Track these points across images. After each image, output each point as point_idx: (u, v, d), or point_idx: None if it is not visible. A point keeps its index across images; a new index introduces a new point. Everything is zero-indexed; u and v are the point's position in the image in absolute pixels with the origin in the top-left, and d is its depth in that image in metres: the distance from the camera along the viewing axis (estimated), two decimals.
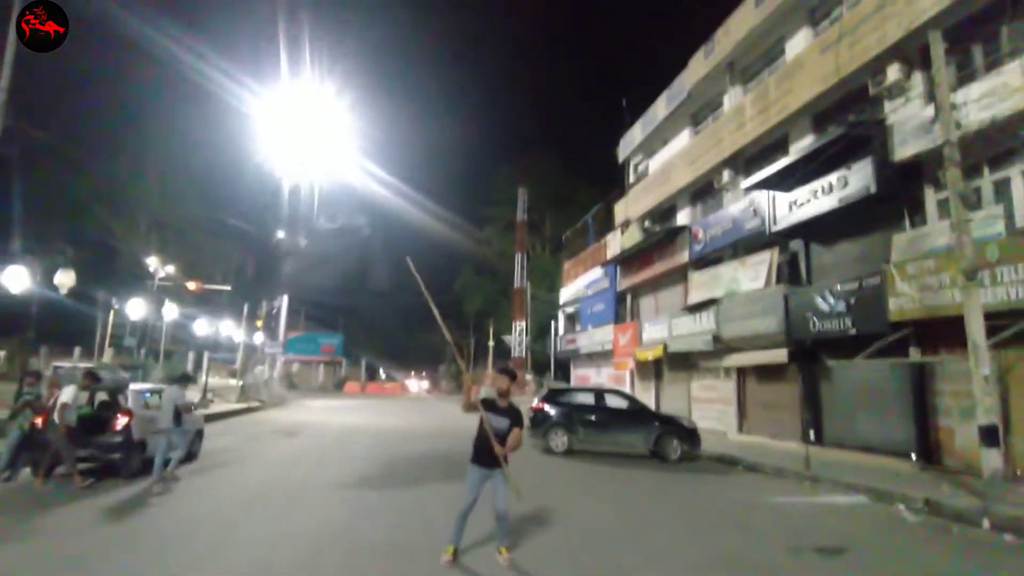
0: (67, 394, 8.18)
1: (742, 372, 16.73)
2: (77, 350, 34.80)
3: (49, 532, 5.80)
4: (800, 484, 10.00)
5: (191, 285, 30.83)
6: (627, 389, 23.96)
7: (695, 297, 18.29)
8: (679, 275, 20.24)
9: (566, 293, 33.11)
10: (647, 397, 22.57)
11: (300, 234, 31.24)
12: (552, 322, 37.06)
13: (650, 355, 20.86)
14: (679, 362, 20.03)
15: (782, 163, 13.18)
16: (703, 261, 18.50)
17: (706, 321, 17.54)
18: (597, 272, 27.52)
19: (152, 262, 34.01)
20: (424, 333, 72.50)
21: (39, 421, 8.46)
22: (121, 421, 8.76)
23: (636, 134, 24.22)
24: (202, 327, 26.67)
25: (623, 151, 25.69)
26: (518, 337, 41.83)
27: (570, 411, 13.29)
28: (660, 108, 21.82)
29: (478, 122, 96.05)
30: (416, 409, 30.25)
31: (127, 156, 44.47)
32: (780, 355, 13.97)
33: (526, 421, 8.77)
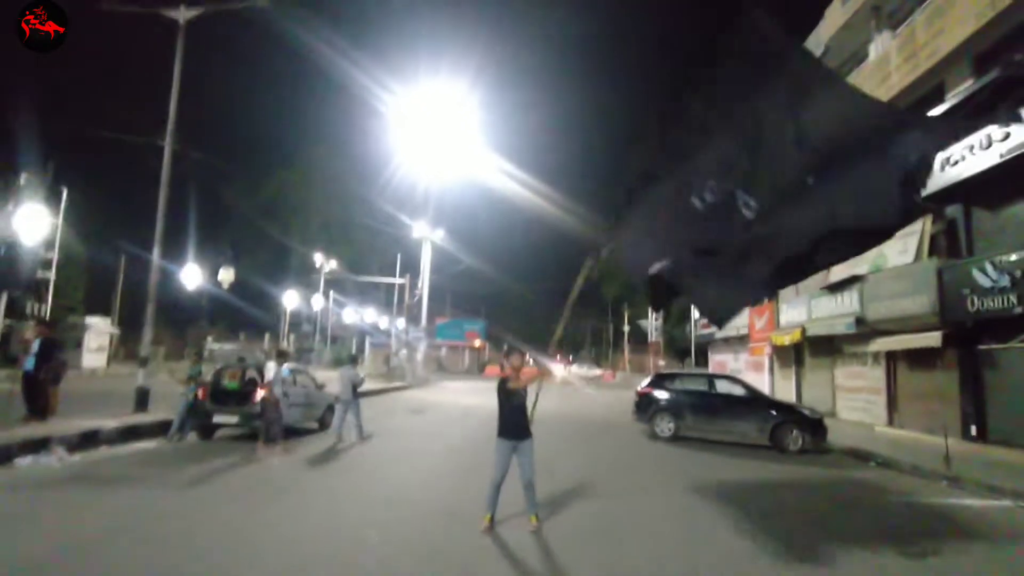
0: (271, 370, 9.72)
1: (892, 358, 14.70)
2: (242, 335, 40.40)
3: (215, 480, 7.03)
4: (935, 484, 8.65)
5: (345, 275, 34.21)
6: (765, 376, 22.27)
7: (836, 275, 16.39)
8: None
9: None
10: (786, 385, 20.78)
11: (438, 225, 33.07)
12: (692, 306, 35.43)
13: (787, 339, 19.15)
14: (821, 347, 18.13)
15: (929, 114, 11.27)
16: None
17: (848, 301, 15.69)
18: None
19: (318, 258, 38.40)
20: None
21: (201, 393, 10.18)
22: (259, 394, 10.20)
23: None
24: (350, 315, 29.58)
25: None
26: (654, 322, 40.50)
27: (678, 396, 12.74)
28: None
29: (610, 97, 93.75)
30: (545, 394, 30.76)
31: (299, 166, 50.55)
32: (933, 338, 12.08)
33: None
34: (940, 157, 11.96)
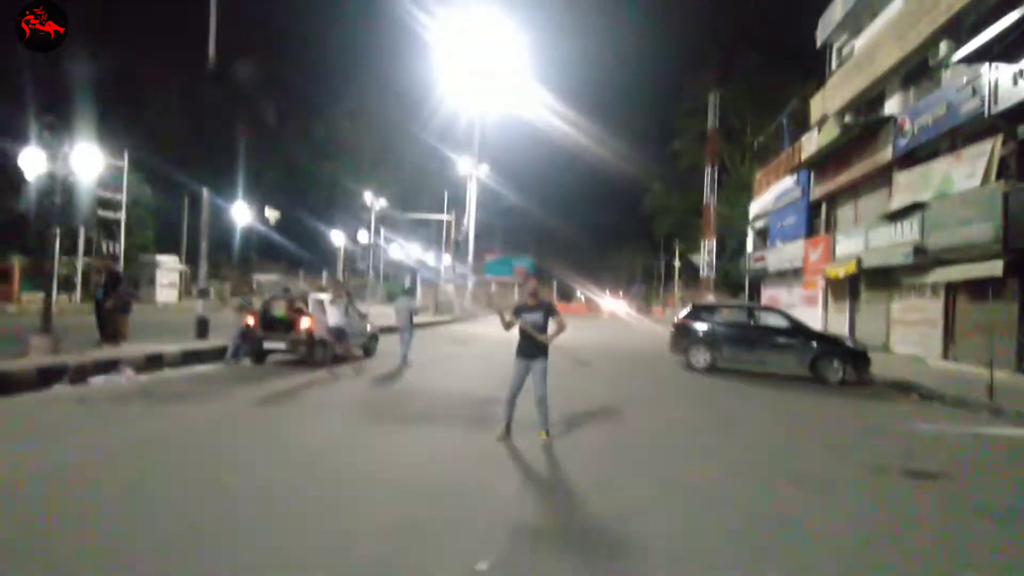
0: (331, 308, 10.65)
1: (952, 289, 13.94)
2: (301, 273, 42.16)
3: (262, 396, 7.69)
4: (976, 415, 8.38)
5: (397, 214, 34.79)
6: (818, 311, 21.58)
7: (898, 202, 15.45)
8: (883, 177, 17.13)
9: (756, 207, 30.19)
10: (840, 319, 20.12)
11: (484, 161, 32.84)
12: (748, 239, 34.27)
13: (841, 271, 18.36)
14: (877, 279, 17.33)
15: (1009, 18, 10.13)
16: (911, 158, 15.37)
17: (909, 230, 14.81)
18: (788, 181, 24.46)
19: (368, 197, 39.06)
20: (618, 253, 72.55)
21: (251, 320, 10.88)
22: (304, 322, 10.82)
23: (837, 9, 20.29)
24: (396, 251, 30.28)
25: (822, 32, 21.75)
26: (707, 257, 39.46)
27: (715, 328, 12.62)
28: None
29: (663, 24, 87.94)
30: (587, 327, 30.97)
31: (347, 106, 50.69)
32: (993, 268, 11.35)
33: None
34: (1012, 69, 10.87)
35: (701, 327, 12.71)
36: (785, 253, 24.59)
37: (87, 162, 8.73)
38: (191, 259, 35.71)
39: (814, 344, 11.71)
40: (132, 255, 29.67)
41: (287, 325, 10.94)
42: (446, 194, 36.64)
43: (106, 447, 5.07)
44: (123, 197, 28.30)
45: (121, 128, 27.84)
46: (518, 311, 5.88)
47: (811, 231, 22.39)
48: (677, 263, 47.26)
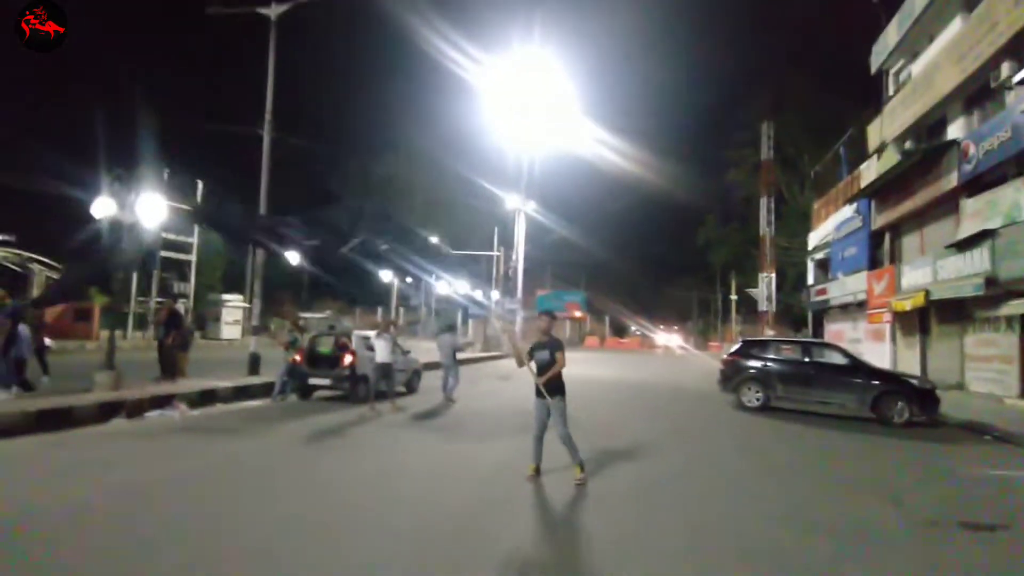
0: (378, 343, 10.62)
1: None
2: (357, 309, 43.39)
3: (302, 433, 7.92)
4: None
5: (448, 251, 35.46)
6: (887, 346, 20.35)
7: (965, 230, 14.55)
8: (949, 205, 16.22)
9: (815, 237, 29.11)
10: (910, 355, 18.89)
11: (533, 196, 33.25)
12: (808, 272, 32.95)
13: (908, 304, 17.31)
14: (948, 312, 16.24)
15: None
16: (978, 184, 14.51)
17: (978, 260, 13.88)
18: (847, 211, 23.50)
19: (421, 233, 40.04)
20: (672, 288, 71.08)
21: (298, 358, 11.24)
22: (347, 359, 11.08)
23: (891, 34, 19.69)
24: (444, 288, 30.67)
25: (876, 58, 21.11)
26: (765, 290, 38.10)
27: (767, 364, 12.08)
28: None
29: (713, 58, 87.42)
30: (638, 363, 30.33)
31: (403, 148, 52.83)
32: None
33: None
34: None
35: (752, 363, 12.21)
36: (848, 285, 23.46)
37: (151, 210, 9.41)
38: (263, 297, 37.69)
39: (875, 382, 11.01)
40: (201, 294, 31.47)
41: (332, 361, 11.23)
42: (496, 231, 37.17)
43: (146, 480, 5.30)
44: (194, 240, 30.24)
45: (192, 176, 29.98)
46: (532, 350, 5.88)
47: (874, 262, 21.31)
48: (734, 297, 45.70)
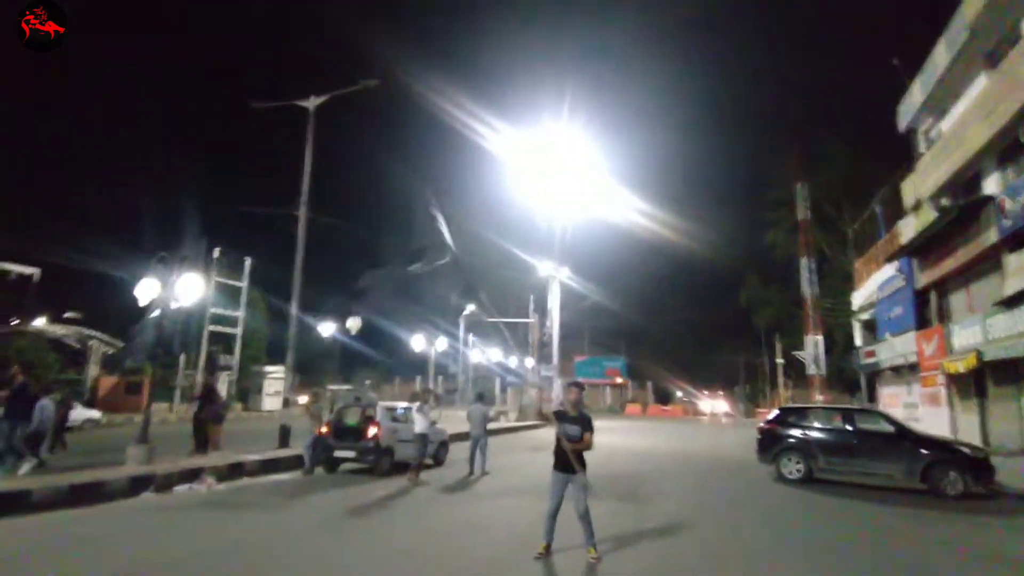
0: (417, 415, 10.87)
1: None
2: (396, 379, 43.61)
3: (321, 508, 7.96)
4: None
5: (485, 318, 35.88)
6: (943, 410, 19.11)
7: (1011, 286, 13.93)
8: (991, 260, 15.60)
9: (858, 297, 28.19)
10: (969, 419, 17.65)
11: (567, 261, 33.58)
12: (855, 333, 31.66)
13: (960, 366, 16.37)
14: (1006, 373, 15.28)
15: None
16: (1019, 238, 13.97)
17: None
18: (889, 270, 22.82)
19: (455, 300, 40.75)
20: (716, 351, 69.01)
21: (324, 430, 11.37)
22: (372, 431, 11.14)
23: (915, 94, 19.70)
24: (476, 356, 30.83)
25: (903, 118, 21.04)
26: (812, 352, 36.68)
27: (807, 433, 11.52)
28: (940, 56, 17.45)
29: (741, 124, 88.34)
30: (679, 432, 29.15)
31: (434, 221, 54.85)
32: None
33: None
34: None
35: (791, 432, 11.67)
36: (896, 347, 22.40)
37: (191, 289, 9.99)
38: (299, 368, 38.67)
39: (924, 451, 10.34)
40: (246, 365, 32.43)
41: (357, 433, 11.30)
42: (531, 298, 37.44)
43: (155, 559, 5.39)
44: (240, 313, 31.53)
45: (242, 253, 31.70)
46: (561, 419, 5.75)
47: (921, 322, 20.40)
48: (780, 360, 44.07)
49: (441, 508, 8.15)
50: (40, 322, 28.03)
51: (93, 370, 26.99)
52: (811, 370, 37.77)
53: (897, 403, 23.56)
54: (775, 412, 12.99)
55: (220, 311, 29.70)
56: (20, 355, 21.89)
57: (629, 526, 6.87)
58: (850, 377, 37.89)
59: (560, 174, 32.00)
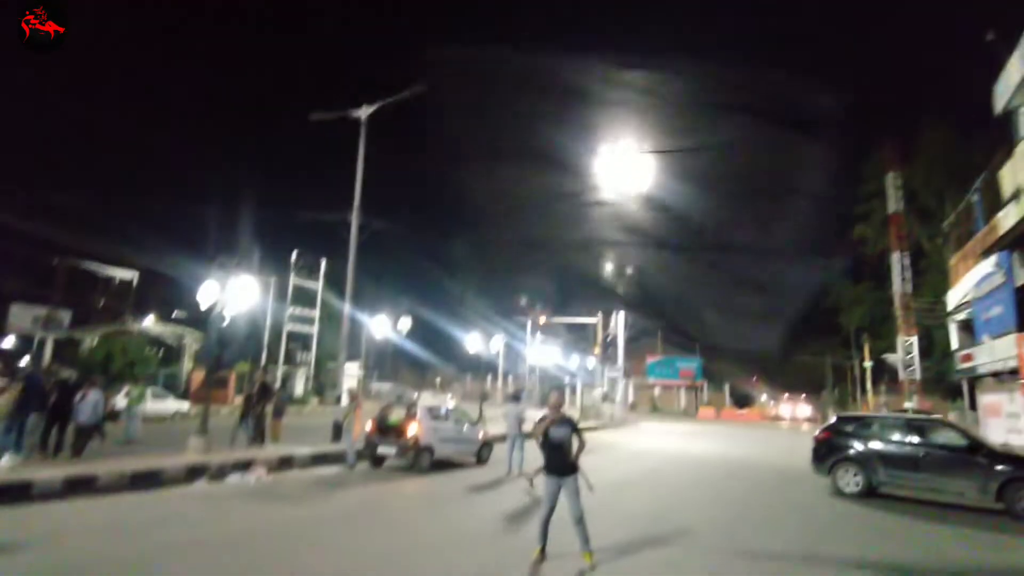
0: (510, 412, 11.42)
1: None
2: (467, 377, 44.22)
3: (350, 503, 8.40)
4: None
5: (542, 319, 35.90)
6: None
7: None
8: None
9: (954, 296, 25.81)
10: None
11: (630, 264, 33.00)
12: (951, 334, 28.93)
13: None
14: None
15: None
16: None
17: None
18: (986, 265, 20.71)
19: (522, 300, 41.04)
20: (802, 354, 65.22)
21: (370, 427, 11.86)
22: (411, 429, 11.50)
23: (1013, 73, 17.75)
24: (543, 356, 30.82)
25: (1000, 98, 19.00)
26: (904, 355, 33.88)
27: (867, 444, 10.72)
28: None
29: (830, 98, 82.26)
30: (749, 438, 27.77)
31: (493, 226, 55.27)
32: None
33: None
34: None
35: (849, 443, 10.90)
36: (996, 350, 20.31)
37: (245, 291, 10.75)
38: (374, 364, 40.39)
39: (1001, 467, 9.36)
40: (322, 362, 34.28)
41: (399, 432, 11.70)
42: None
43: (183, 541, 5.89)
44: (316, 313, 33.43)
45: (318, 256, 33.64)
46: (548, 427, 5.68)
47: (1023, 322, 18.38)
48: (867, 363, 41.02)
49: (448, 510, 8.26)
50: (148, 321, 30.90)
51: (187, 365, 29.49)
52: (902, 374, 34.94)
53: (999, 412, 21.37)
54: (831, 420, 12.19)
55: (299, 311, 31.70)
56: (124, 352, 24.31)
57: (661, 537, 6.72)
58: (951, 383, 34.65)
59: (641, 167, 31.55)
